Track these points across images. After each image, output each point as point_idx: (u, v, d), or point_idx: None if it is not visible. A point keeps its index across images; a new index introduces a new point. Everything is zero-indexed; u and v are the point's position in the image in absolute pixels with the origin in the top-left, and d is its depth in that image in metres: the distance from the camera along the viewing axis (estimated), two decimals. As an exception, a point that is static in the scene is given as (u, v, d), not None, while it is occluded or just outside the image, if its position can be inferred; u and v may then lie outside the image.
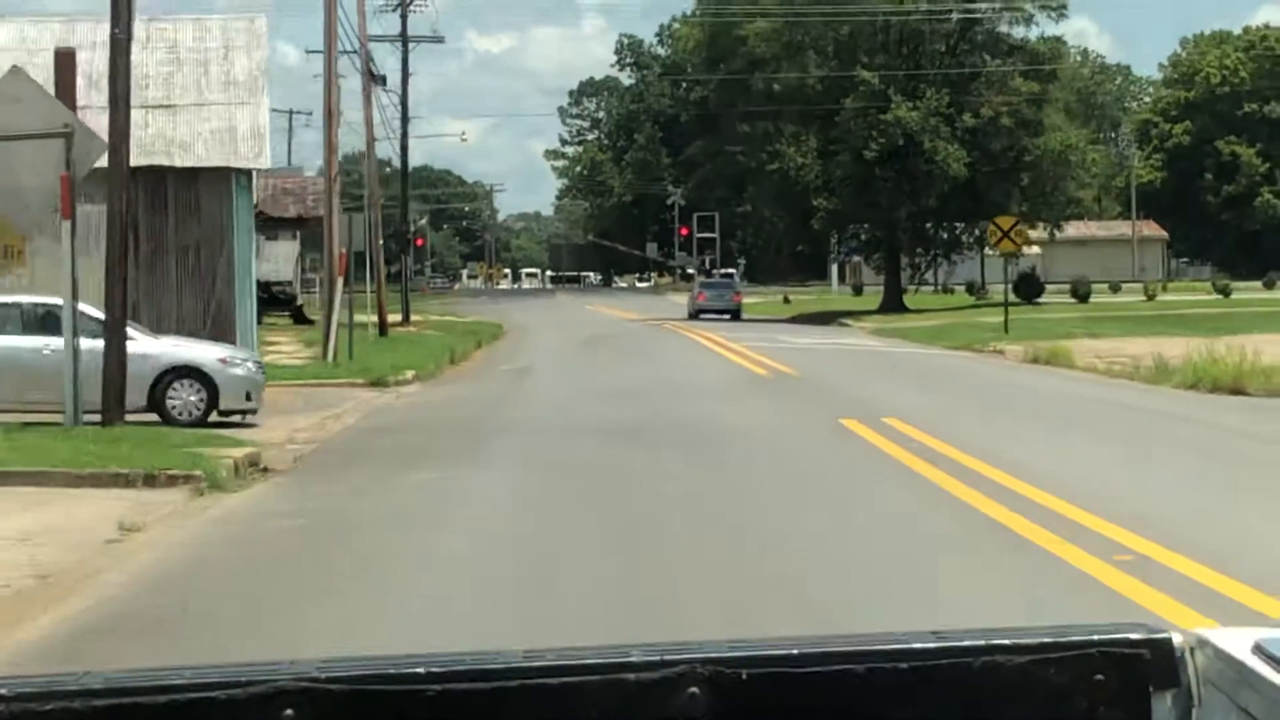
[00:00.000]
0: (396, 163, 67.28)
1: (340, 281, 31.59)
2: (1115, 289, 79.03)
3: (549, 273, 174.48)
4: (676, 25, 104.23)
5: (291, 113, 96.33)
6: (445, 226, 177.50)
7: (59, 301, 19.92)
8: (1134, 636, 1.94)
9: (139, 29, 40.02)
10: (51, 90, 35.91)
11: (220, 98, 38.73)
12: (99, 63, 38.57)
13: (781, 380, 27.78)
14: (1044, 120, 62.69)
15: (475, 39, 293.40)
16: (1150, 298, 65.66)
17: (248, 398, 20.97)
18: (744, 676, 1.86)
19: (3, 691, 1.80)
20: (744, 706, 1.86)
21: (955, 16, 62.25)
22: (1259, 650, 1.89)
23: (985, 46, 63.48)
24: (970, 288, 76.47)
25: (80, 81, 35.28)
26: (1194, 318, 49.47)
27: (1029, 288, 64.02)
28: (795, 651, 1.89)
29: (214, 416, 20.76)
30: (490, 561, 11.10)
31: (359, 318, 37.76)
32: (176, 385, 20.61)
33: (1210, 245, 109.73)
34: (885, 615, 8.81)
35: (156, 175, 36.44)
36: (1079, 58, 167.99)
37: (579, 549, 11.34)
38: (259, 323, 38.24)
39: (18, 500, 14.16)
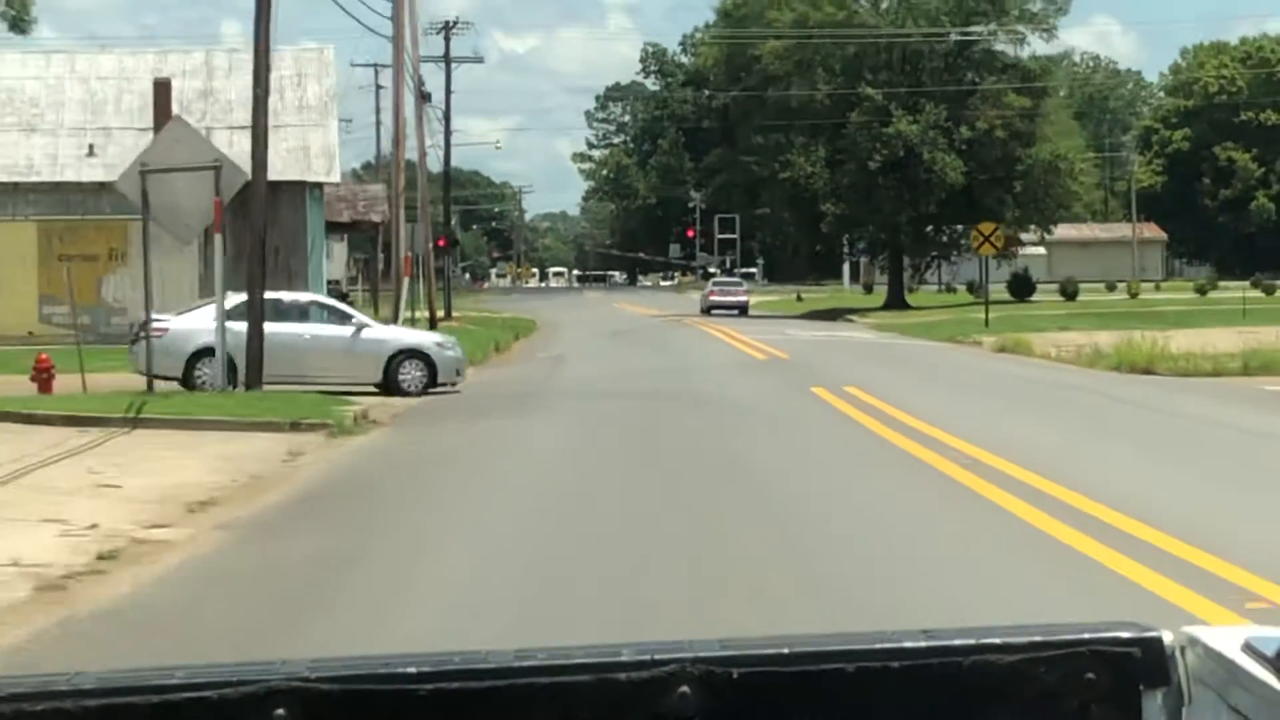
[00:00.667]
0: (432, 166, 72.97)
1: (406, 280, 37.49)
2: (1110, 288, 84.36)
3: (575, 272, 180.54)
4: (699, 35, 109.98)
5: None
6: (474, 227, 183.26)
7: (314, 297, 26.48)
8: (1124, 635, 1.94)
9: (222, 59, 46.12)
10: (151, 112, 42.29)
11: (295, 120, 44.70)
12: (187, 89, 44.75)
13: (774, 363, 33.51)
14: (1035, 132, 68.19)
15: (501, 39, 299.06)
16: (1133, 296, 71.14)
17: (457, 373, 27.17)
18: (735, 676, 1.86)
19: None
20: (735, 706, 1.87)
21: (953, 38, 67.72)
22: (1249, 649, 1.89)
23: (980, 64, 69.00)
24: (970, 287, 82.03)
25: (175, 107, 41.52)
26: (1163, 314, 54.86)
27: (1021, 287, 69.66)
28: (786, 651, 1.90)
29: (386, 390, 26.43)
30: (546, 461, 16.85)
31: (406, 313, 43.62)
32: (406, 364, 26.61)
33: (1208, 246, 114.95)
34: (804, 480, 14.48)
35: (242, 189, 42.21)
36: (1091, 63, 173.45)
37: (608, 456, 17.13)
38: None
39: (209, 438, 19.90)
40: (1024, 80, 68.40)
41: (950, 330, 49.69)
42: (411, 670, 1.86)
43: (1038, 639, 1.94)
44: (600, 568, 10.56)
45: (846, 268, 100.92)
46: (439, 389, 26.84)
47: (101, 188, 43.00)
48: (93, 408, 21.92)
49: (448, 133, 62.78)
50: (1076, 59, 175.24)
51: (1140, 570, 9.95)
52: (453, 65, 62.78)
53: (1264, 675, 1.86)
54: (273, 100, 45.76)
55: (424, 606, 9.50)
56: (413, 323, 40.63)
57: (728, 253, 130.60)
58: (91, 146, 43.34)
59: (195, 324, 26.38)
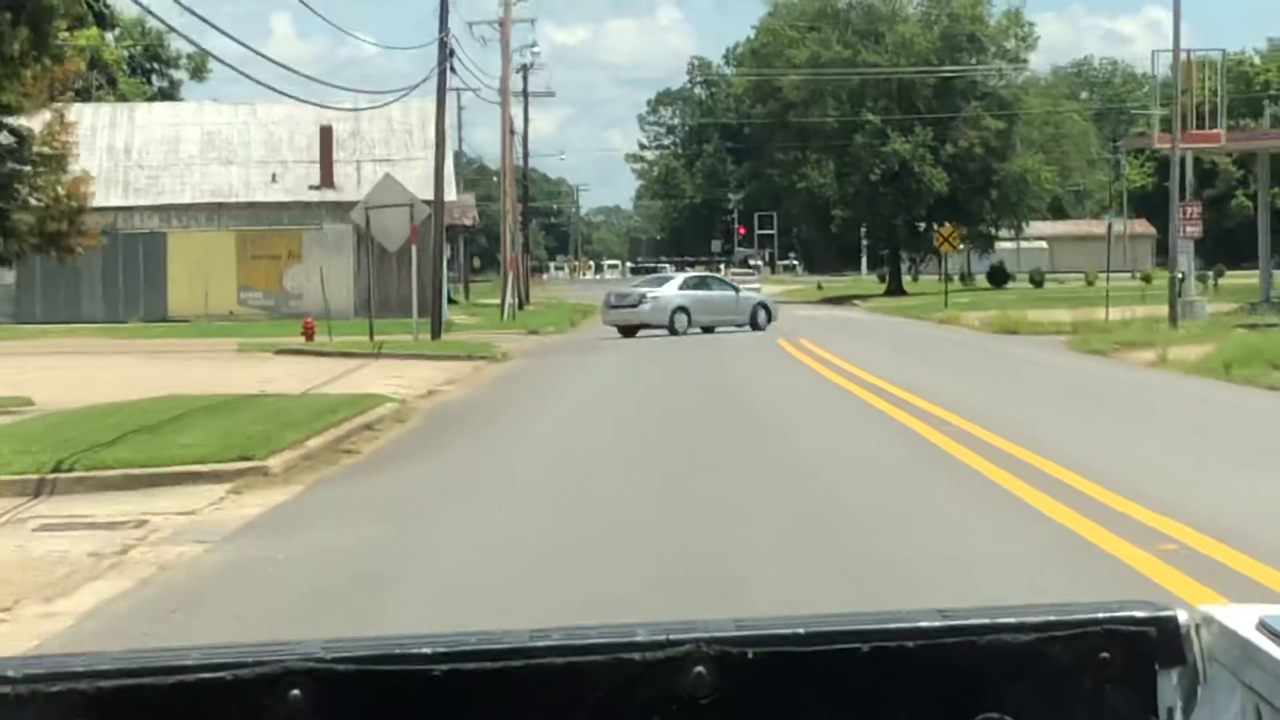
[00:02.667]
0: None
1: (511, 274, 53.59)
2: (1090, 281, 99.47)
3: (628, 264, 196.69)
4: (740, 49, 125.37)
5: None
6: (533, 221, 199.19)
7: (714, 275, 46.08)
8: (1139, 614, 1.95)
9: (369, 112, 61.90)
10: (317, 152, 58.96)
11: (420, 154, 60.59)
12: (340, 131, 60.62)
13: (766, 332, 49.22)
14: (1008, 148, 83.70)
15: (552, 31, 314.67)
16: (1090, 284, 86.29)
17: (770, 318, 46.62)
18: (749, 656, 1.88)
19: (10, 673, 1.82)
20: (749, 685, 1.89)
21: (942, 74, 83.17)
22: (1264, 627, 1.91)
23: (963, 94, 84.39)
24: (961, 277, 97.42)
25: (337, 151, 57.71)
26: (1095, 298, 70.11)
27: (998, 276, 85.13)
28: (801, 630, 1.91)
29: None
30: (611, 371, 32.65)
31: (494, 300, 59.80)
32: (759, 311, 45.08)
33: (1194, 241, 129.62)
34: (756, 387, 30.20)
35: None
36: (1109, 67, 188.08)
37: (648, 369, 33.03)
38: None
39: (424, 363, 35.63)
40: (1000, 106, 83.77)
41: (920, 311, 65.06)
42: (426, 651, 1.87)
43: (1052, 618, 1.94)
44: (644, 399, 26.41)
45: (864, 261, 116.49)
46: (768, 326, 45.89)
47: (281, 206, 59.31)
48: (350, 348, 37.79)
49: (525, 156, 78.53)
50: (1095, 64, 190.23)
51: (909, 419, 25.67)
52: (529, 98, 78.66)
53: (1279, 654, 1.84)
54: (404, 140, 61.69)
55: (556, 408, 25.11)
56: (504, 306, 56.84)
57: (767, 247, 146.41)
58: (274, 175, 59.49)
59: (668, 293, 45.59)
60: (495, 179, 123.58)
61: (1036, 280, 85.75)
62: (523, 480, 15.57)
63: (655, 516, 12.72)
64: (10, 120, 21.62)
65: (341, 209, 59.61)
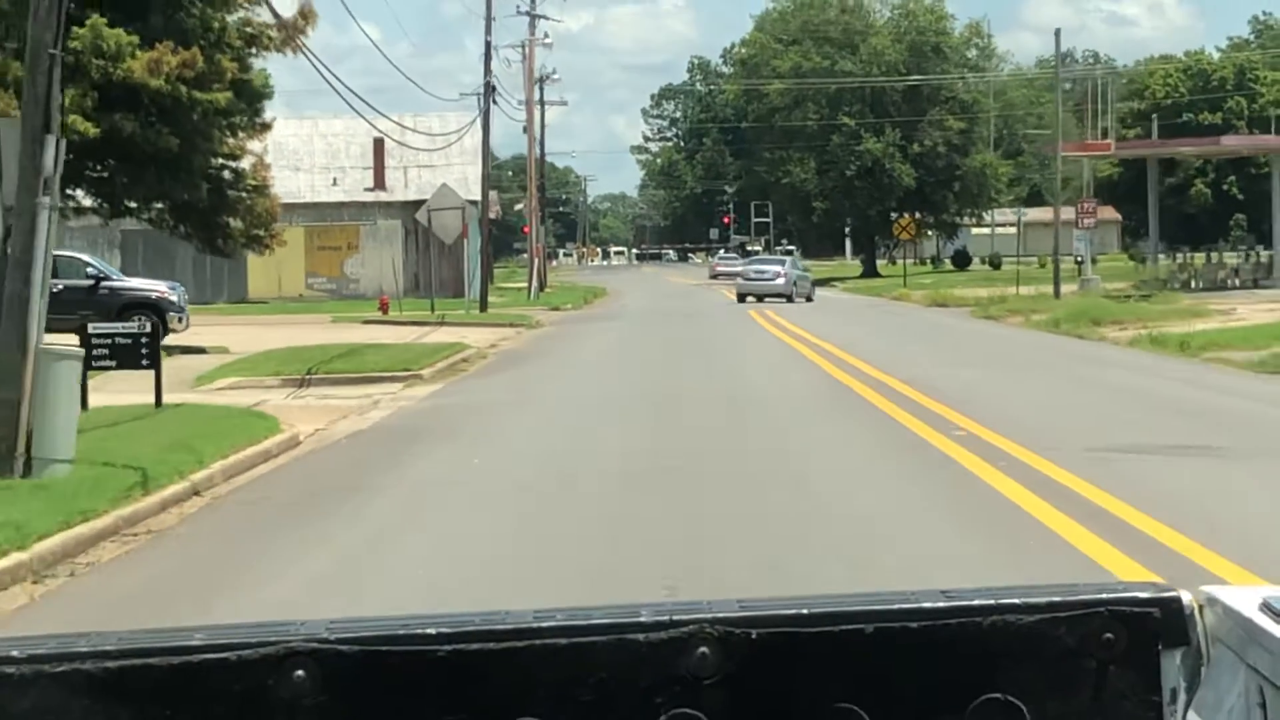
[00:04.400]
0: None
1: (538, 260, 65.92)
2: (1042, 264, 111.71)
3: (634, 250, 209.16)
4: (735, 52, 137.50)
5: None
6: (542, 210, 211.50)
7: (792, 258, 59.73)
8: (1143, 595, 1.96)
9: (409, 120, 74.10)
10: (371, 159, 71.22)
11: (458, 160, 72.74)
12: (391, 142, 72.40)
13: (745, 305, 61.42)
14: (969, 146, 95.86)
15: (554, 13, 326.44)
16: (1042, 266, 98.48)
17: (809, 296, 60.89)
18: (753, 636, 1.89)
19: (14, 653, 1.84)
20: (753, 666, 1.89)
21: (910, 81, 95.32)
22: (1267, 608, 1.93)
23: (928, 98, 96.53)
24: (932, 260, 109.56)
25: (387, 159, 69.75)
26: (1039, 277, 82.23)
27: (961, 260, 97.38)
28: (805, 611, 1.92)
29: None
30: (626, 331, 44.94)
31: (516, 284, 72.22)
32: (813, 288, 61.55)
33: (1158, 226, 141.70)
34: (718, 340, 42.46)
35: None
36: (1090, 59, 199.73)
37: (652, 329, 45.38)
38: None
39: (478, 329, 47.82)
40: (962, 109, 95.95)
41: (883, 290, 77.19)
42: (430, 631, 1.88)
43: (1056, 599, 1.94)
44: (642, 344, 38.77)
45: (848, 246, 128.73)
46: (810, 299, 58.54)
47: (341, 205, 71.51)
48: (417, 319, 49.95)
49: (542, 157, 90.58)
50: (1078, 56, 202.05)
51: (800, 346, 38.00)
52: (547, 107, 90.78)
53: None
54: (443, 147, 73.42)
55: (587, 352, 37.26)
56: (531, 288, 69.26)
57: (764, 234, 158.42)
58: (334, 179, 71.69)
59: (789, 272, 62.40)
60: (509, 172, 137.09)
61: (994, 263, 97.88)
62: (573, 376, 27.87)
63: (652, 387, 25.08)
64: (232, 163, 34.02)
65: (392, 208, 72.23)
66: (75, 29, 31.02)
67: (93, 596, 10.29)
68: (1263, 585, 2.02)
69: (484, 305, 52.84)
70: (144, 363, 19.15)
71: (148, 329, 19.43)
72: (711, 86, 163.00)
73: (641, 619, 1.92)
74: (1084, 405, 20.75)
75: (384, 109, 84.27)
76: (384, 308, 52.78)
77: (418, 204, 68.07)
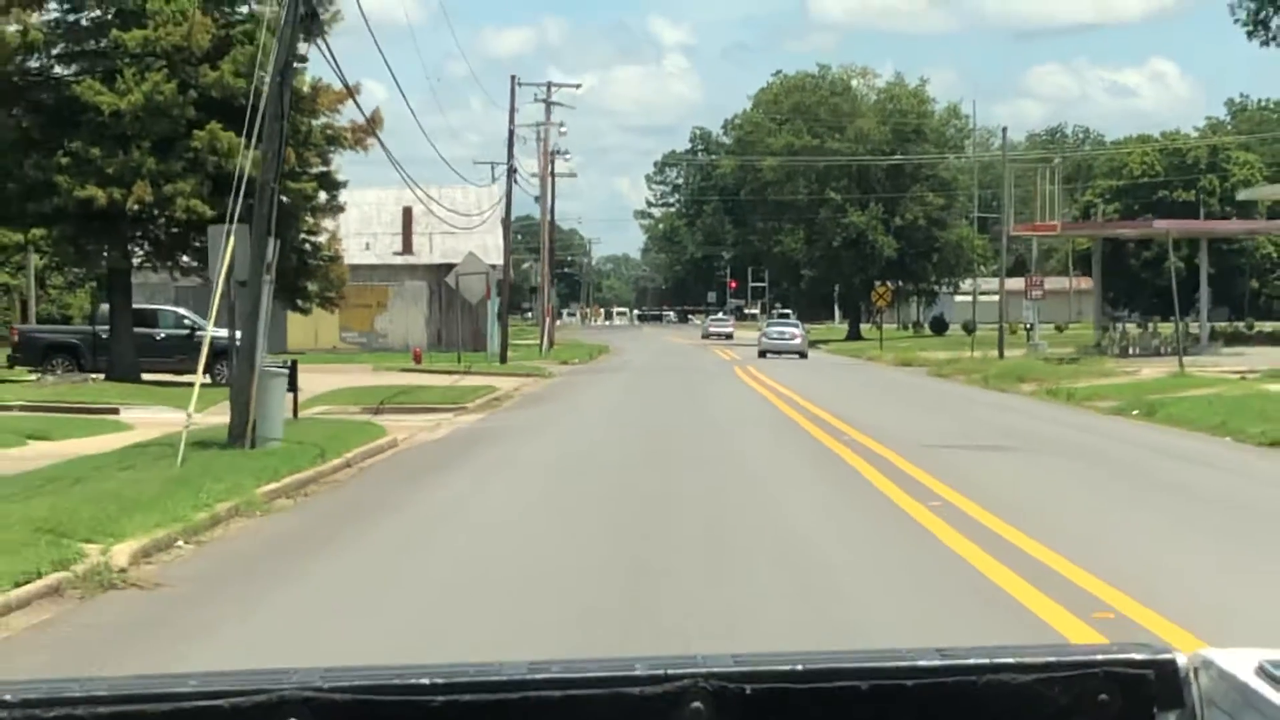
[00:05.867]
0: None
1: (548, 319, 74.72)
2: (1013, 330, 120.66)
3: (636, 311, 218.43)
4: (739, 120, 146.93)
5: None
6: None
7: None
8: (1138, 657, 1.97)
9: (434, 191, 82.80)
10: (399, 225, 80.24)
11: (478, 226, 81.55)
12: (417, 209, 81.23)
13: (731, 362, 70.11)
14: (947, 221, 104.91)
15: (557, 76, 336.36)
16: (1013, 332, 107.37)
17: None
18: (747, 691, 1.89)
19: (7, 698, 1.83)
20: None
21: (893, 161, 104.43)
22: (1262, 672, 1.93)
23: (910, 175, 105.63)
24: (915, 325, 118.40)
25: (414, 225, 78.49)
26: (1009, 343, 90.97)
27: (938, 325, 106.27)
28: (799, 667, 1.92)
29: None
30: (628, 380, 53.65)
31: (526, 341, 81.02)
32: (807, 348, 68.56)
33: (1134, 297, 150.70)
34: (706, 386, 51.15)
35: (449, 268, 77.57)
36: (1082, 135, 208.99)
37: (649, 380, 54.14)
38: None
39: (501, 378, 56.49)
40: (939, 186, 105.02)
41: (860, 352, 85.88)
42: (424, 681, 1.87)
43: (1051, 659, 1.94)
44: (640, 390, 47.51)
45: (837, 311, 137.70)
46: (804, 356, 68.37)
47: (372, 268, 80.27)
48: (445, 369, 58.56)
49: (551, 225, 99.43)
50: (1068, 131, 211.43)
51: (770, 395, 46.70)
52: (556, 176, 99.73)
53: (1277, 699, 1.87)
54: (463, 214, 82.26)
55: (599, 391, 45.87)
56: (542, 344, 78.10)
57: (760, 298, 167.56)
58: (367, 244, 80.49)
59: (802, 333, 74.01)
60: (518, 235, 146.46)
61: (969, 329, 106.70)
62: (588, 408, 36.51)
63: (654, 418, 33.77)
64: (312, 238, 42.85)
65: (418, 270, 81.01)
66: (197, 132, 39.94)
67: (321, 506, 18.86)
68: (1259, 649, 2.05)
69: (504, 358, 61.45)
70: (288, 388, 27.75)
71: (288, 365, 27.97)
72: (713, 156, 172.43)
73: (636, 673, 1.92)
74: (942, 426, 29.54)
75: (406, 178, 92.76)
76: (418, 359, 61.40)
77: (441, 267, 77.06)
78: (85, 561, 13.07)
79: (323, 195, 43.32)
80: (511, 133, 65.41)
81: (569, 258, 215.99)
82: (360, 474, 22.49)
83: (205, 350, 21.75)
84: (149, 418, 31.80)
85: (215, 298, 21.77)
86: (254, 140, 23.61)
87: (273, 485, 19.30)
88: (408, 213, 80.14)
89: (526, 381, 52.43)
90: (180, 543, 15.19)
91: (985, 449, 24.66)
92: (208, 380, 45.07)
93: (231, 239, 21.86)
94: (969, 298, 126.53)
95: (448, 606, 11.21)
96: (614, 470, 21.98)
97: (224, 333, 44.67)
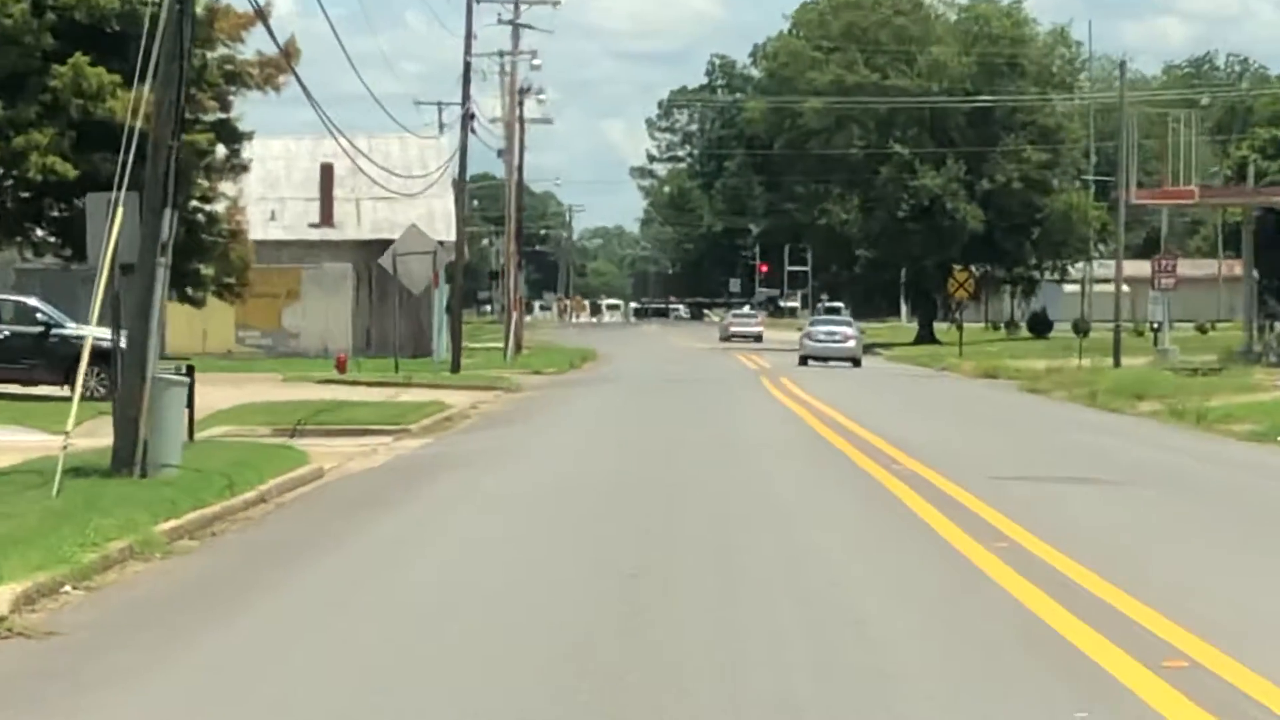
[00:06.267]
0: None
1: (516, 314, 76.70)
2: (1139, 332, 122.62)
3: (633, 305, 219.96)
4: (772, 47, 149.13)
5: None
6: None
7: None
8: None
9: (363, 143, 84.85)
10: (316, 189, 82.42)
11: (419, 188, 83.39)
12: (340, 168, 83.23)
13: (759, 372, 71.98)
14: (1051, 183, 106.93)
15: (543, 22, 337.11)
16: (1140, 334, 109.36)
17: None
18: None
19: None
20: None
21: (979, 102, 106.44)
22: None
23: (1000, 123, 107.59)
24: (1007, 324, 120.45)
25: (336, 188, 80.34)
26: (1133, 347, 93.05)
27: (1039, 325, 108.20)
28: None
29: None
30: (623, 392, 55.50)
31: (486, 343, 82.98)
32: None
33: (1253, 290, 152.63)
34: (727, 391, 53.00)
35: (383, 245, 79.39)
36: (1238, 67, 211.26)
37: (653, 393, 56.02)
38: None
39: (452, 391, 58.32)
40: (1041, 137, 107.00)
41: (934, 361, 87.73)
42: None
43: None
44: (645, 406, 49.40)
45: (904, 305, 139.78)
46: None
47: (280, 244, 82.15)
48: (381, 380, 60.36)
49: (520, 189, 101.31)
50: (1219, 62, 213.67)
51: (807, 415, 48.58)
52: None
53: None
54: (402, 175, 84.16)
55: (576, 414, 47.68)
56: (508, 348, 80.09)
57: (801, 288, 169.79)
58: (273, 212, 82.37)
59: (856, 334, 78.36)
60: (475, 200, 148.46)
61: (1081, 329, 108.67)
62: (564, 432, 38.32)
63: (652, 447, 35.56)
64: (206, 206, 44.73)
65: (341, 248, 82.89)
66: (56, 67, 41.78)
67: (233, 547, 20.60)
68: None
69: (456, 365, 63.30)
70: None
71: (185, 372, 29.69)
72: (737, 95, 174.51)
73: None
74: (1024, 455, 31.41)
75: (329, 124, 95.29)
76: (341, 366, 63.20)
77: (372, 244, 78.99)
78: (-44, 607, 14.77)
79: (220, 150, 45.06)
80: (468, 66, 67.37)
81: (543, 230, 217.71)
82: (279, 510, 24.20)
83: (86, 353, 23.41)
84: (-5, 440, 33.42)
85: (99, 286, 23.48)
86: (137, 80, 25.29)
87: (173, 523, 20.99)
88: (327, 171, 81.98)
89: (485, 397, 54.28)
90: (68, 588, 16.88)
91: (1063, 481, 26.73)
92: (68, 392, 47.02)
93: (120, 211, 23.57)
94: (1084, 287, 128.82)
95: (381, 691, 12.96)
96: (596, 520, 23.74)
97: (98, 331, 46.67)
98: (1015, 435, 38.27)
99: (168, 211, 24.42)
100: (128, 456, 24.07)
